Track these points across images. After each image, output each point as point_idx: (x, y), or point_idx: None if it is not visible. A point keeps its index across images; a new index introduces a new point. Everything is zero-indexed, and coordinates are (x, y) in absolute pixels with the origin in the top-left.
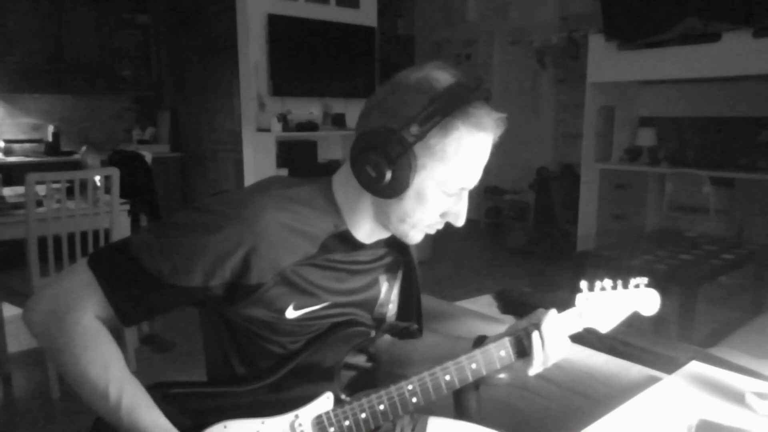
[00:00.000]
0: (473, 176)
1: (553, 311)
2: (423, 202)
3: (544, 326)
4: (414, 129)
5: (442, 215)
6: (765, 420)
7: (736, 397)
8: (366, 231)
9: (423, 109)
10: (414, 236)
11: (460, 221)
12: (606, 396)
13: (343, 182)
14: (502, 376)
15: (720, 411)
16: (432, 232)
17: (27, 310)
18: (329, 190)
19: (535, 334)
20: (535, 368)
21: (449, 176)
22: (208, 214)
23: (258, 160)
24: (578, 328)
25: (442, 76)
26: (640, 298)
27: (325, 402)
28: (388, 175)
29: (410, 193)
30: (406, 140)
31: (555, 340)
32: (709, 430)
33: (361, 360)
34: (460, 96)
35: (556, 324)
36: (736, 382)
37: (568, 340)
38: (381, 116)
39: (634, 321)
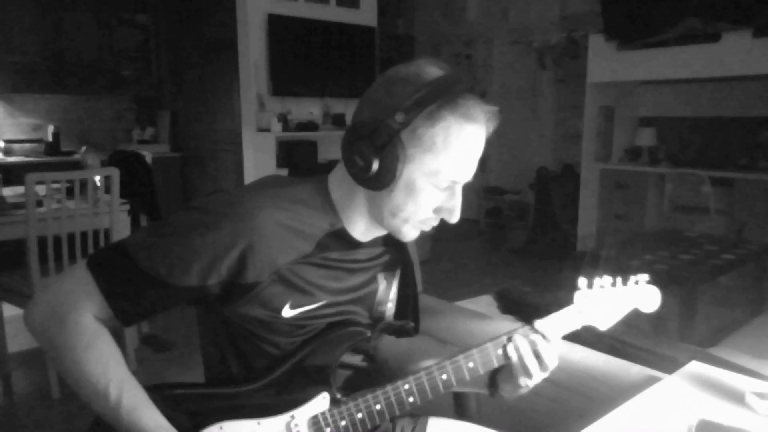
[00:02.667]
0: (464, 169)
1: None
2: (414, 195)
3: (537, 324)
4: (399, 117)
5: (436, 211)
6: (765, 420)
7: (736, 397)
8: (362, 228)
9: (408, 97)
10: (407, 232)
11: (454, 217)
12: (606, 396)
13: (339, 180)
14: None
15: (720, 411)
16: (426, 228)
17: (27, 311)
18: (325, 189)
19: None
20: (538, 372)
21: (439, 168)
22: (204, 214)
23: (258, 160)
24: (577, 326)
25: (430, 69)
26: (640, 294)
27: (321, 402)
28: (375, 165)
29: (400, 186)
30: (391, 128)
31: (553, 340)
32: (709, 430)
33: (357, 360)
34: (447, 86)
35: (552, 324)
36: (736, 382)
37: (560, 341)
38: (370, 108)
39: (634, 321)
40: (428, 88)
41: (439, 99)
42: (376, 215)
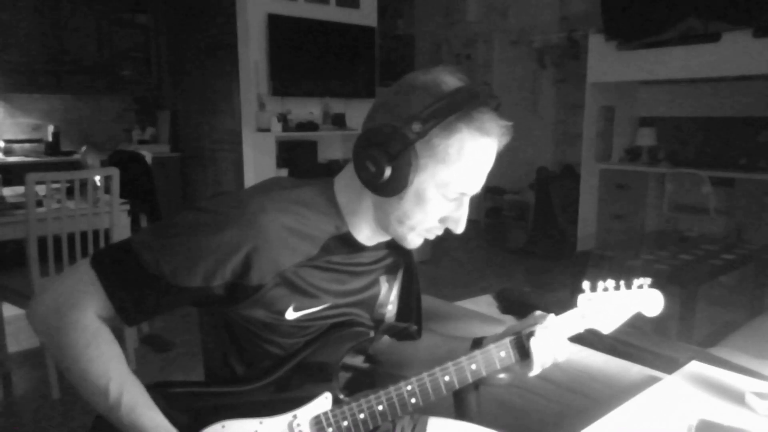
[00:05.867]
0: (475, 182)
1: (551, 315)
2: (422, 204)
3: (544, 328)
4: (416, 126)
5: (442, 220)
6: (765, 420)
7: (736, 397)
8: (367, 233)
9: (426, 107)
10: (412, 240)
11: (459, 228)
12: (606, 396)
13: (346, 183)
14: (501, 376)
15: (720, 411)
16: (431, 237)
17: (30, 308)
18: (331, 192)
19: (535, 337)
20: (535, 370)
21: (450, 179)
22: (210, 215)
23: (258, 160)
24: (580, 329)
25: (449, 80)
26: (644, 298)
27: (323, 402)
28: (388, 172)
29: (410, 194)
30: (407, 137)
31: (556, 342)
32: (709, 430)
33: (359, 360)
34: (465, 98)
35: (557, 326)
36: (736, 382)
37: (567, 342)
38: (385, 115)
39: (635, 321)
40: (447, 99)
41: (456, 111)
42: (382, 221)
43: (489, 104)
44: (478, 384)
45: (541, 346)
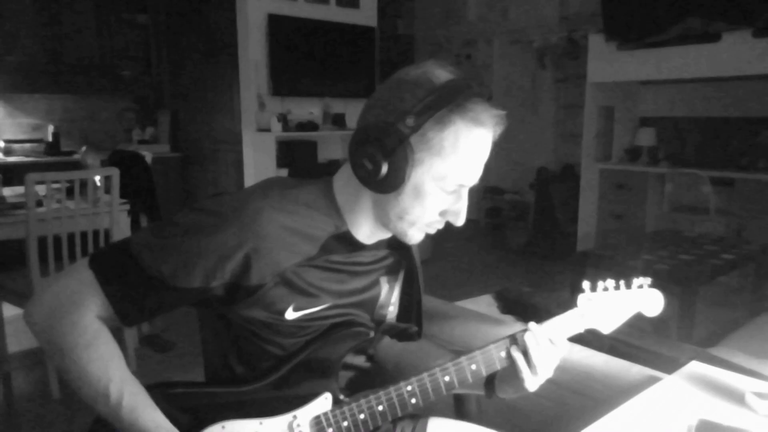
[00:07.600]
0: (472, 173)
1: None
2: (421, 198)
3: (540, 326)
4: (409, 120)
5: (442, 214)
6: (765, 420)
7: (736, 397)
8: (366, 231)
9: (418, 101)
10: (413, 235)
11: (460, 220)
12: (606, 396)
13: (344, 182)
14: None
15: (720, 411)
16: (432, 231)
17: (28, 309)
18: (330, 191)
19: (528, 335)
20: (538, 383)
21: (447, 172)
22: (209, 215)
23: (258, 160)
24: (580, 329)
25: (440, 73)
26: (644, 298)
27: (323, 402)
28: (384, 168)
29: (408, 189)
30: (401, 132)
31: (552, 342)
32: (709, 430)
33: (360, 360)
34: (457, 90)
35: (555, 327)
36: (736, 382)
37: (567, 342)
38: (378, 111)
39: (635, 321)
40: (438, 92)
41: (449, 103)
42: (382, 218)
43: (481, 95)
44: (490, 395)
45: (535, 345)
